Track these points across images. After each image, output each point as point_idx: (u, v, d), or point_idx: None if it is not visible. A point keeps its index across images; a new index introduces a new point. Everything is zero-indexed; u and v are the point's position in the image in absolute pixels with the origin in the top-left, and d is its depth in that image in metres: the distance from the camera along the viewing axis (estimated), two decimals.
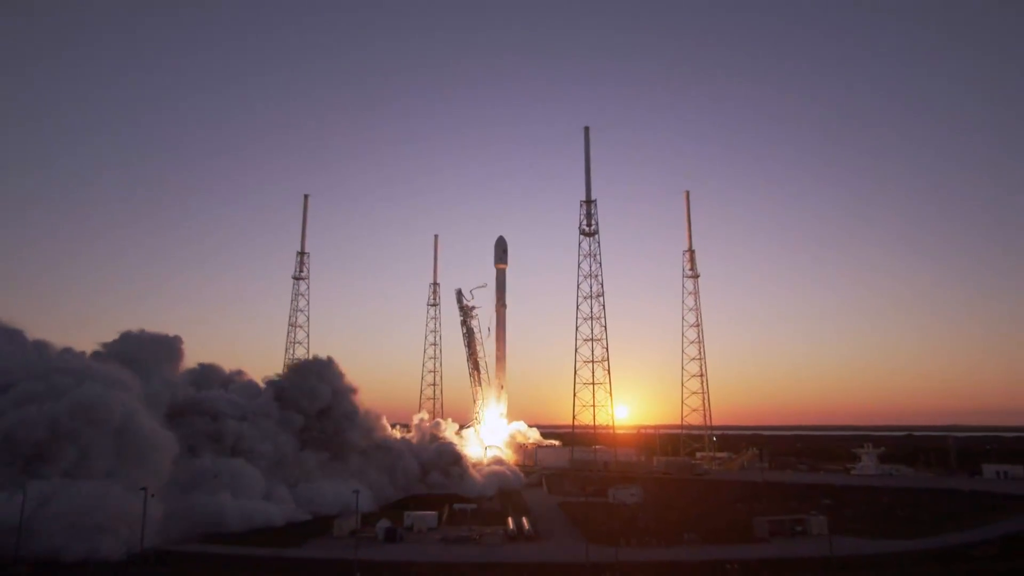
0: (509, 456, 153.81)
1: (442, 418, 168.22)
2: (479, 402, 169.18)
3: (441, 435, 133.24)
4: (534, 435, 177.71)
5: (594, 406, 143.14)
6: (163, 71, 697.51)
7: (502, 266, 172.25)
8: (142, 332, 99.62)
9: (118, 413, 73.80)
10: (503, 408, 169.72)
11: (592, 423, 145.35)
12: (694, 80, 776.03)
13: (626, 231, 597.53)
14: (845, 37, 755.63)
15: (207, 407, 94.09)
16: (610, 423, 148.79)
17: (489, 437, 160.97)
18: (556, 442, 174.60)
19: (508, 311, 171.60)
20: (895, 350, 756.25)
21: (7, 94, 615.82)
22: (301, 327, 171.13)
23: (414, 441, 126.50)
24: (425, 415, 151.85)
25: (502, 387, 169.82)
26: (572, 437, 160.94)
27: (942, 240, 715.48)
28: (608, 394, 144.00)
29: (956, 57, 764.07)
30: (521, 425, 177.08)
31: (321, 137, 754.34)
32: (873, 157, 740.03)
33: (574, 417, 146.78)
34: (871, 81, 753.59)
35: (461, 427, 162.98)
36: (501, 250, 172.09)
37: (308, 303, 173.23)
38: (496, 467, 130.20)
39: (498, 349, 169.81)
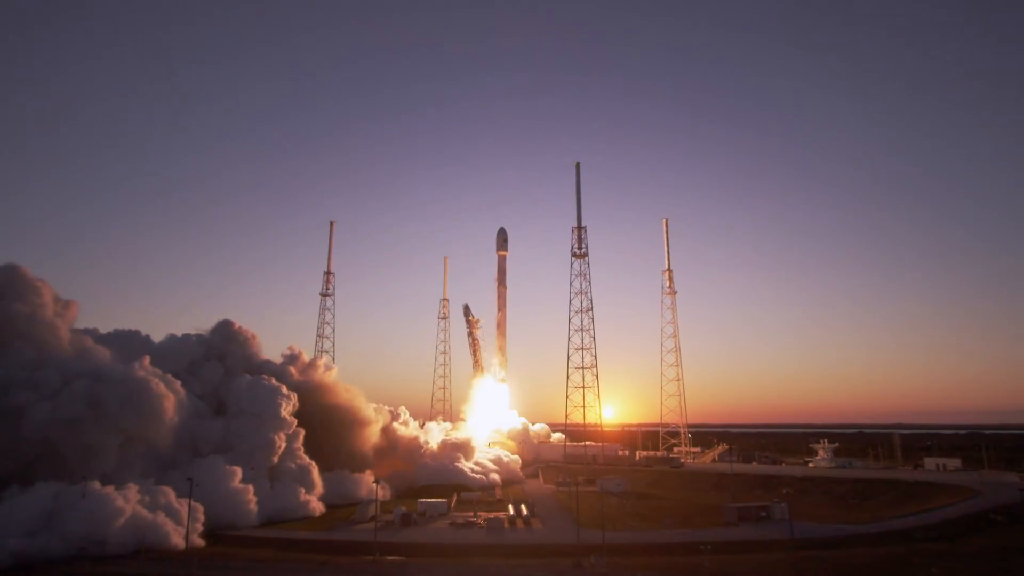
0: (511, 446, 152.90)
1: (436, 419, 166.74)
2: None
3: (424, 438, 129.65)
4: (523, 422, 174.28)
5: (584, 407, 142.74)
6: (214, 120, 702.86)
7: (503, 253, 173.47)
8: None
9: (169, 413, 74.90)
10: (503, 373, 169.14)
11: (583, 422, 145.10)
12: (673, 120, 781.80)
13: (613, 253, 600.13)
14: (805, 83, 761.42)
15: None
16: (598, 422, 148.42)
17: (488, 426, 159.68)
18: (552, 437, 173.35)
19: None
20: (848, 358, 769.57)
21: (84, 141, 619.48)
22: (327, 338, 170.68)
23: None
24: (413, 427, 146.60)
25: (503, 356, 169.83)
26: (565, 434, 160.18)
27: (886, 264, 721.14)
28: (596, 396, 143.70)
29: (910, 90, 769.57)
30: (515, 415, 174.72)
31: (346, 172, 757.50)
32: (821, 188, 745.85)
33: (567, 416, 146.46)
34: (825, 116, 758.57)
35: (453, 424, 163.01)
36: (502, 239, 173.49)
37: (334, 317, 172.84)
38: (497, 460, 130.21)
39: (499, 324, 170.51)
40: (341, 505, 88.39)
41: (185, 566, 53.58)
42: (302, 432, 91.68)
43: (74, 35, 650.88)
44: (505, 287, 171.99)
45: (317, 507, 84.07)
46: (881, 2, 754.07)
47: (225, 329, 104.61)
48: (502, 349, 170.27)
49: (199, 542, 62.73)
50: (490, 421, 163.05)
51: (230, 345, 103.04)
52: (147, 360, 78.94)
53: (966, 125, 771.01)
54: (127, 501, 61.43)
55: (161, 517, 61.73)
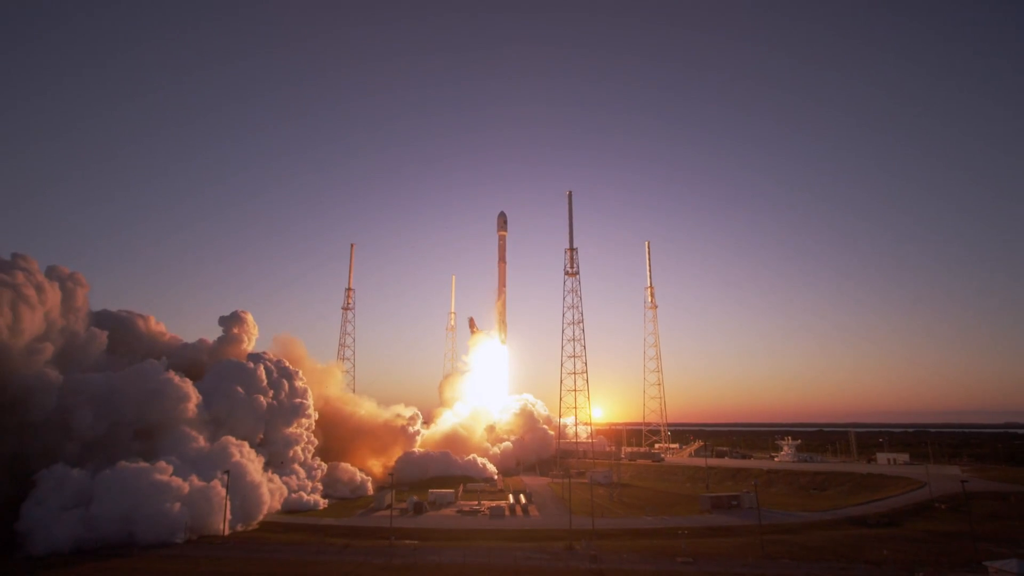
0: (510, 427, 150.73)
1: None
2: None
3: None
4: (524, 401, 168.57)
5: (575, 407, 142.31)
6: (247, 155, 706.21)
7: (503, 233, 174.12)
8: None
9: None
10: (503, 336, 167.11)
11: (575, 421, 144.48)
12: (655, 152, 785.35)
13: (602, 271, 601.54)
14: (769, 116, 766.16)
15: None
16: (588, 421, 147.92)
17: (487, 405, 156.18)
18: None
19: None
20: (810, 364, 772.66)
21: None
22: (349, 347, 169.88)
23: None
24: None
25: (503, 324, 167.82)
26: (559, 432, 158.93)
27: (842, 284, 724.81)
28: (587, 399, 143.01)
29: (880, 122, 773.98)
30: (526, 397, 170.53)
31: (364, 200, 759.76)
32: (784, 213, 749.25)
33: (560, 416, 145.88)
34: (783, 151, 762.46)
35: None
36: (502, 221, 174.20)
37: (354, 328, 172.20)
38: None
39: (499, 295, 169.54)
40: (341, 497, 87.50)
41: (231, 549, 53.79)
42: (317, 434, 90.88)
43: (126, 73, 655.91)
44: (505, 263, 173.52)
45: (321, 499, 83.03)
46: (843, 35, 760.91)
47: (227, 328, 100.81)
48: (503, 318, 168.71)
49: (240, 527, 62.80)
50: (489, 399, 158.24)
51: (226, 346, 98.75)
52: (170, 372, 76.83)
53: (904, 146, 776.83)
54: (181, 482, 60.31)
55: (208, 502, 60.53)
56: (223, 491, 61.22)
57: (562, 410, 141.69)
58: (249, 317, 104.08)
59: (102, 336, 76.92)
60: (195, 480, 62.54)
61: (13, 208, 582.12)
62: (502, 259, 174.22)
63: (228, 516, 61.78)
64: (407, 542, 56.60)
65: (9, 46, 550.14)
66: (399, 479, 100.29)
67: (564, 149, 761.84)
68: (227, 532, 60.09)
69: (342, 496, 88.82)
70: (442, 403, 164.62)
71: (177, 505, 58.02)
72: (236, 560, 49.66)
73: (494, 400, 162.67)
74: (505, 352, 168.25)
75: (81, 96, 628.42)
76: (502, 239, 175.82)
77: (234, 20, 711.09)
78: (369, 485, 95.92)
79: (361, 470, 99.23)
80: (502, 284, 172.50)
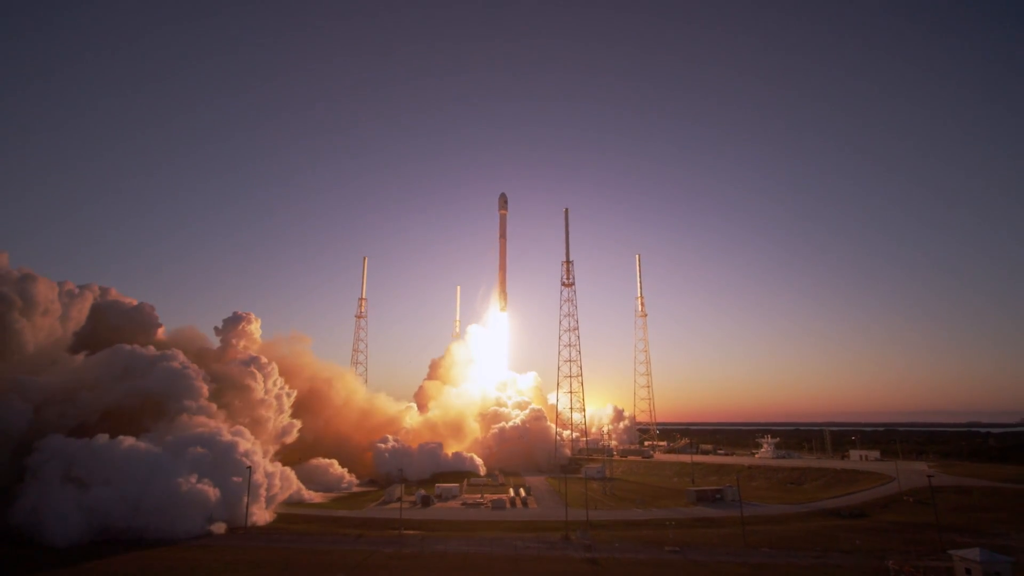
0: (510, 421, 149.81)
1: None
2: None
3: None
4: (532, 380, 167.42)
5: (571, 408, 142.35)
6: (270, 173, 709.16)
7: (503, 212, 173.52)
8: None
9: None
10: (503, 303, 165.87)
11: (570, 420, 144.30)
12: (645, 170, 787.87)
13: (597, 282, 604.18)
14: (749, 134, 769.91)
15: None
16: (583, 420, 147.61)
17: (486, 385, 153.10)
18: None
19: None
20: (787, 366, 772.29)
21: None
22: (361, 352, 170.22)
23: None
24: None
25: (503, 292, 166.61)
26: (556, 430, 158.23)
27: (817, 293, 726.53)
28: (581, 400, 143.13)
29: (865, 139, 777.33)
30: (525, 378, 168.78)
31: (376, 214, 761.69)
32: (766, 227, 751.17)
33: (557, 415, 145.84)
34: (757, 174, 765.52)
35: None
36: (503, 201, 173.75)
37: (367, 334, 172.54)
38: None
39: (500, 267, 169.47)
40: (325, 491, 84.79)
41: (252, 538, 53.48)
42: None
43: (147, 92, 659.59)
44: (505, 239, 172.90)
45: (314, 494, 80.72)
46: (821, 59, 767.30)
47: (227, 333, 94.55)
48: (503, 288, 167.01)
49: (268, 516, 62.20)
50: (487, 378, 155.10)
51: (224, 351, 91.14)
52: (181, 356, 72.88)
53: (886, 164, 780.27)
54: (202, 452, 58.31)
55: (230, 489, 58.25)
56: (244, 479, 59.43)
57: (559, 410, 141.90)
58: (253, 324, 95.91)
59: (78, 358, 69.85)
60: (214, 466, 58.30)
61: (67, 223, 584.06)
62: (503, 235, 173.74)
63: (263, 506, 61.23)
64: (413, 532, 56.51)
65: (10, 48, 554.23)
66: (379, 475, 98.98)
67: (562, 167, 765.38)
68: (262, 522, 59.68)
69: (319, 489, 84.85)
70: (433, 376, 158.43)
71: (211, 492, 55.90)
72: (257, 549, 49.38)
73: (494, 376, 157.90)
74: (505, 319, 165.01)
75: (113, 109, 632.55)
76: (503, 217, 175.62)
77: (258, 38, 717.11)
78: (354, 483, 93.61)
79: (346, 469, 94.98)
80: (503, 258, 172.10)
